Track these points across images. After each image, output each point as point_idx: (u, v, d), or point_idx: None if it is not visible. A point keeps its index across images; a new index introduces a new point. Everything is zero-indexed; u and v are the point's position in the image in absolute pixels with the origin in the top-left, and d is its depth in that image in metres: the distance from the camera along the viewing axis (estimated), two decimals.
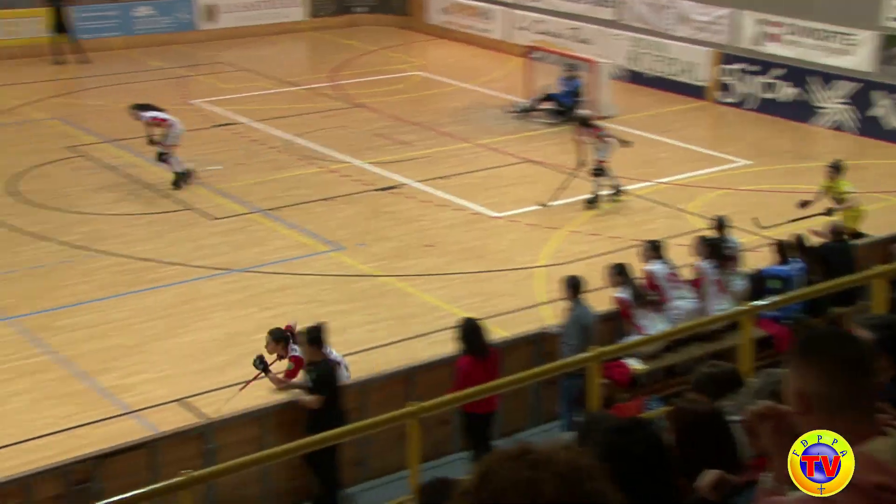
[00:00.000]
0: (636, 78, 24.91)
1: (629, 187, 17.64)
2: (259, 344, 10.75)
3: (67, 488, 8.63)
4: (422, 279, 14.65)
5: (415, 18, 31.20)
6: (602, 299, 11.59)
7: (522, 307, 13.51)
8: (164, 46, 28.28)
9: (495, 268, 15.00)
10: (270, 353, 10.34)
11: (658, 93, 24.14)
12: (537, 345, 11.00)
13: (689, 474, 3.86)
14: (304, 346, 9.69)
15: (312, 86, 24.95)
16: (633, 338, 10.50)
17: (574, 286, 10.65)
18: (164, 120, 17.62)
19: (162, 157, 17.60)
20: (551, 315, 12.50)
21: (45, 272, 14.69)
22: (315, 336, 9.62)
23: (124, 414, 11.20)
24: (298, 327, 10.32)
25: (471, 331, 9.81)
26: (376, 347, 12.61)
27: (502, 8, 28.50)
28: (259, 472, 9.37)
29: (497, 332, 11.26)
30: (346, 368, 10.38)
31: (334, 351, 10.37)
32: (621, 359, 10.56)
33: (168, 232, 16.14)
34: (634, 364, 10.77)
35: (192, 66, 26.89)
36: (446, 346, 10.81)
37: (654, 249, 11.76)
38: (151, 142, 17.65)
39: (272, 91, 24.50)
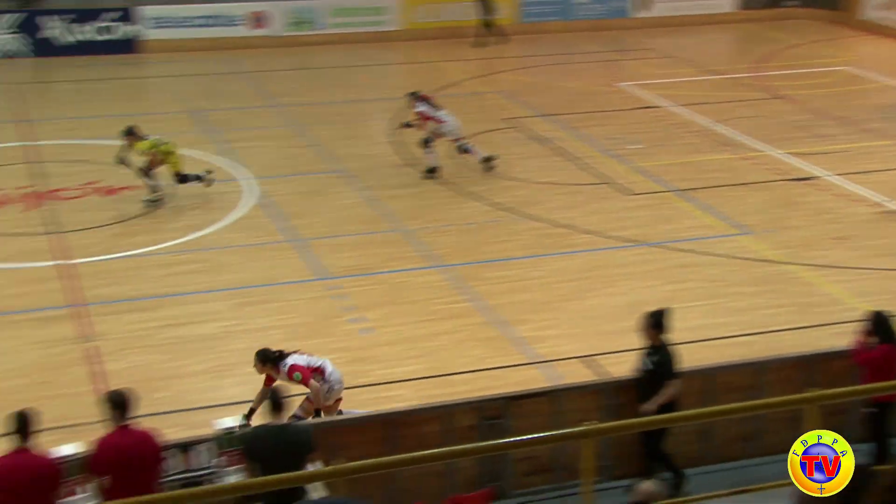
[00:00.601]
0: None
1: None
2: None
3: (480, 421, 9.06)
4: (829, 271, 13.91)
5: (848, 13, 29.45)
6: None
7: None
8: (597, 31, 28.70)
9: None
10: (259, 373, 9.82)
11: None
12: None
13: None
14: (647, 330, 9.42)
15: (734, 75, 24.31)
16: None
17: None
18: (430, 118, 17.25)
19: (425, 144, 17.40)
20: None
21: (476, 229, 15.46)
22: (658, 320, 9.39)
23: (534, 363, 11.60)
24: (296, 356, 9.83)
25: (884, 322, 9.23)
26: (775, 331, 12.17)
27: None
28: (637, 435, 9.35)
29: None
30: (340, 378, 9.98)
31: (328, 361, 9.96)
32: None
33: (586, 203, 16.43)
34: None
35: (621, 50, 27.12)
36: (847, 338, 10.20)
37: None
38: (409, 125, 17.50)
39: (695, 78, 24.14)
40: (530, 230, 15.36)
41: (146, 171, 15.89)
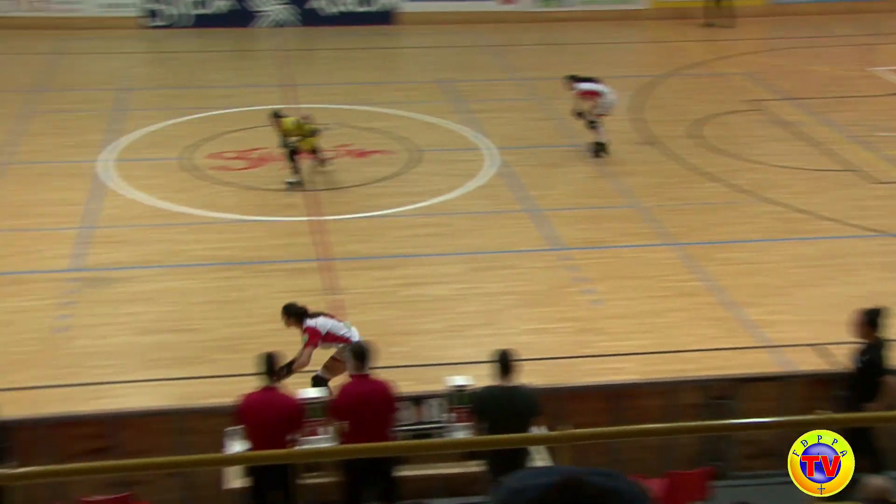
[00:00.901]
0: None
1: None
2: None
3: (705, 400, 8.84)
4: None
5: None
6: None
7: None
8: (853, 14, 27.06)
9: None
10: (286, 327, 9.51)
11: None
12: None
13: None
14: (861, 327, 8.87)
15: None
16: None
17: None
18: (595, 93, 16.57)
19: (591, 125, 16.66)
20: None
21: (712, 209, 15.01)
22: (874, 318, 8.82)
23: (763, 346, 11.17)
24: None
25: None
26: None
27: None
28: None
29: None
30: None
31: (355, 330, 9.46)
32: None
33: (828, 189, 15.63)
34: None
35: (877, 34, 25.51)
36: None
37: None
38: (579, 114, 16.71)
39: None
40: (767, 213, 14.77)
41: (293, 152, 15.54)
